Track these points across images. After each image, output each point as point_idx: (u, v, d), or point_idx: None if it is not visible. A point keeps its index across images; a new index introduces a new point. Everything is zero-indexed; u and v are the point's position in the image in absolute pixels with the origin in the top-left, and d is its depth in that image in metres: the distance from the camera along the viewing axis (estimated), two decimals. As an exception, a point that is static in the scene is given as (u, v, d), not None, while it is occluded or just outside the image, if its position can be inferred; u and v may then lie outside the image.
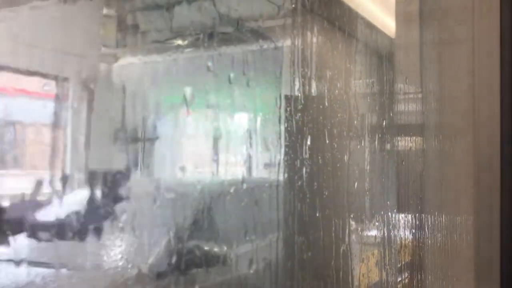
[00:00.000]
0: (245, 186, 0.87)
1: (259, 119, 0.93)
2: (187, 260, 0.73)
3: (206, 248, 0.77)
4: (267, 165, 0.95)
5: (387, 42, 1.64)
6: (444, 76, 1.68)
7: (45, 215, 0.63)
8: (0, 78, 0.56)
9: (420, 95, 1.72)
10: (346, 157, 1.22)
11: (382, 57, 1.55)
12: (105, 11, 0.76)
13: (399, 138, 1.65)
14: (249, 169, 0.91)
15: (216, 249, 0.81)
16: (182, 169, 0.80)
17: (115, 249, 0.68)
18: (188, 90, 0.79)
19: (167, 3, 0.81)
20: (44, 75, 0.63)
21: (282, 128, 0.98)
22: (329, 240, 1.13)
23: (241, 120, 0.89)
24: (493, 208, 1.47)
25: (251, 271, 0.86)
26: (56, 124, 0.64)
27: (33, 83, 0.59)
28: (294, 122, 1.02)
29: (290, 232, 0.97)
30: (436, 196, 1.69)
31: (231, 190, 0.85)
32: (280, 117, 0.98)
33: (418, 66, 1.74)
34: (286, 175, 0.97)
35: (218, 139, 0.83)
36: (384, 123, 1.50)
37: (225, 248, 0.83)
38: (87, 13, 0.72)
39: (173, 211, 0.74)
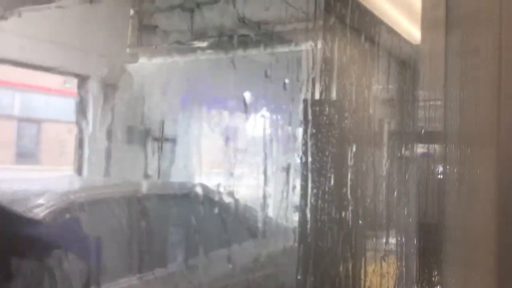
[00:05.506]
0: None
1: (277, 121, 0.93)
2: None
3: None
4: (284, 168, 0.94)
5: (411, 49, 1.63)
6: (468, 84, 1.66)
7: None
8: (22, 74, 0.57)
9: (443, 102, 1.70)
10: (366, 162, 1.22)
11: (406, 63, 1.53)
12: (129, 11, 0.77)
13: (421, 145, 1.63)
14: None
15: None
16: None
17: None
18: (208, 91, 0.79)
19: (189, 6, 0.82)
20: (66, 73, 0.64)
21: (302, 131, 0.98)
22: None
23: (258, 123, 0.89)
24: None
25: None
26: (76, 121, 0.65)
27: (54, 81, 0.60)
28: (314, 126, 1.02)
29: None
30: (458, 204, 1.67)
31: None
32: (300, 120, 0.98)
33: (442, 73, 1.73)
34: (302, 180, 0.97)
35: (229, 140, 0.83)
36: (406, 130, 1.49)
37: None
38: (111, 13, 0.73)
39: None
